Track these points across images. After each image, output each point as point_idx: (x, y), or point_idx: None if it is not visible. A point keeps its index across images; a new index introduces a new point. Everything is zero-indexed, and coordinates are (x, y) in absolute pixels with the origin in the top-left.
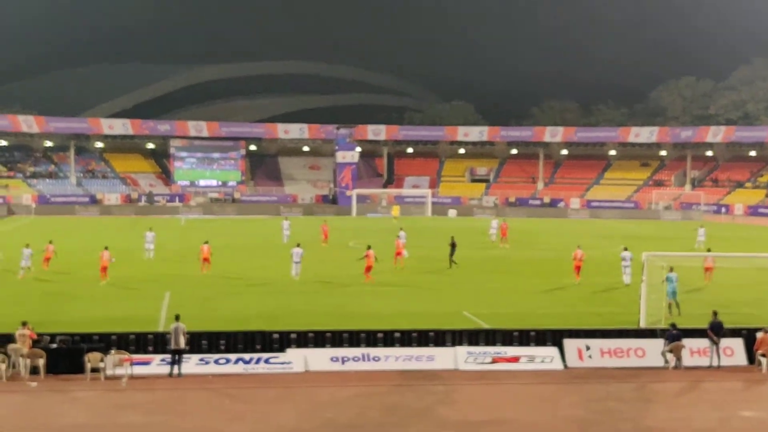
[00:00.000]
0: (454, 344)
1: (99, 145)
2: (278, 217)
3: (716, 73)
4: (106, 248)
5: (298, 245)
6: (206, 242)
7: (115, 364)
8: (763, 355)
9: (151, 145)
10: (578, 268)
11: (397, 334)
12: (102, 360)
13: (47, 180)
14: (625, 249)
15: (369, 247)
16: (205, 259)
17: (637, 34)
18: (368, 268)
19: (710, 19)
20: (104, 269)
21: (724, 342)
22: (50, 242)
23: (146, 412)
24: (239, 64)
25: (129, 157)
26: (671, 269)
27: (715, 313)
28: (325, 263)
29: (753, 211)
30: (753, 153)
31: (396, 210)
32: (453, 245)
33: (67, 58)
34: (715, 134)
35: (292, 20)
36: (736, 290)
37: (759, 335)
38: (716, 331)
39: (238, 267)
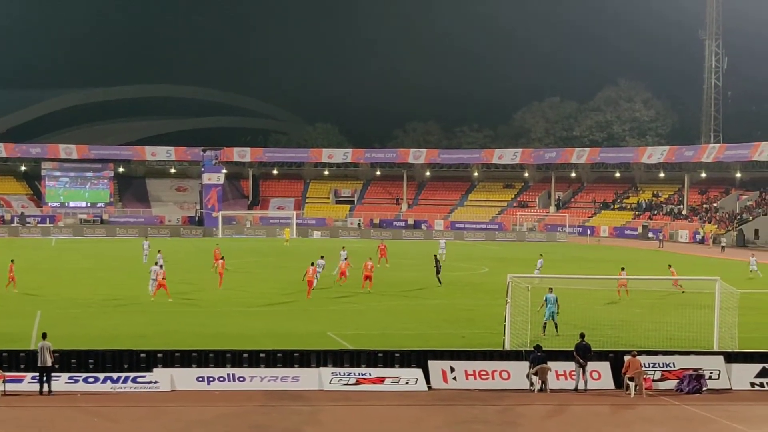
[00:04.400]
0: (318, 365)
1: None
2: (139, 239)
3: (580, 94)
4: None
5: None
6: (222, 258)
7: None
8: (631, 379)
9: (23, 168)
10: (367, 277)
11: (262, 355)
12: None
13: None
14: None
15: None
16: (221, 274)
17: (499, 57)
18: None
19: (574, 40)
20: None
21: (591, 365)
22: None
23: (18, 428)
24: (109, 88)
25: (2, 179)
26: (550, 290)
27: (582, 336)
28: (192, 283)
29: (619, 232)
30: (618, 174)
31: (287, 232)
32: (437, 263)
33: None
34: (580, 155)
35: (157, 44)
36: (602, 312)
37: (627, 359)
38: (583, 353)
39: (107, 286)
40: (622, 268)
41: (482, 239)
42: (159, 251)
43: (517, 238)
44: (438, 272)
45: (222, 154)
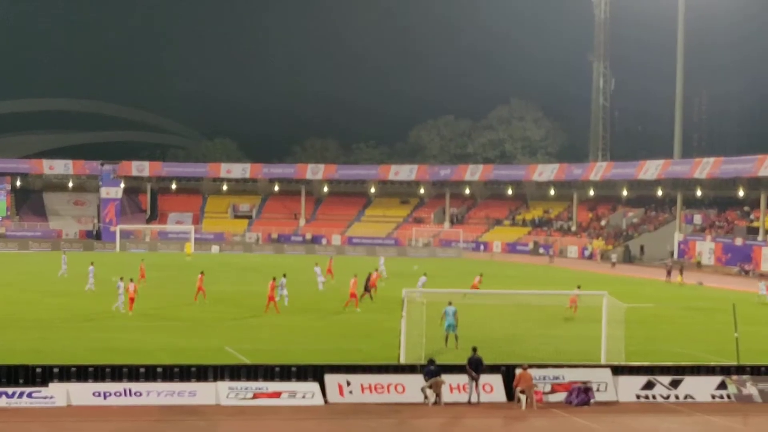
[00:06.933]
0: (215, 379)
1: None
2: (48, 252)
3: (475, 112)
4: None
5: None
6: (201, 272)
7: None
8: (522, 392)
9: None
10: (353, 295)
11: (159, 369)
12: None
13: None
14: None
15: (355, 275)
16: (200, 288)
17: (394, 74)
18: (352, 295)
19: (469, 60)
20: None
21: (484, 378)
22: None
23: None
24: (6, 101)
25: None
26: (449, 303)
27: (474, 349)
28: (88, 299)
29: (511, 248)
30: (510, 191)
31: (189, 247)
32: (368, 280)
33: None
34: (473, 173)
35: (56, 58)
36: (495, 326)
37: (518, 372)
38: (475, 366)
39: (1, 302)
40: (578, 286)
41: (394, 255)
42: (92, 263)
43: (429, 254)
44: (367, 289)
45: (120, 168)
